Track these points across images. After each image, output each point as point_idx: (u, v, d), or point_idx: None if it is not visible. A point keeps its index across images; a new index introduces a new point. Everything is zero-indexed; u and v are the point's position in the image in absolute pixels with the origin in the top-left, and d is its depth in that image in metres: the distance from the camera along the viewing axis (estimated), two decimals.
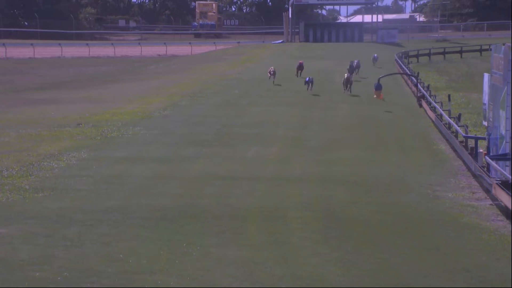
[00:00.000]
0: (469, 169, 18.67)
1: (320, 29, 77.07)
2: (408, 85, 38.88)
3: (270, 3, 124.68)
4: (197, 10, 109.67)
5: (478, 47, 61.55)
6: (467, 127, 21.56)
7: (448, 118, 24.05)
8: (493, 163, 16.24)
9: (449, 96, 27.71)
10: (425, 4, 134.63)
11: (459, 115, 23.78)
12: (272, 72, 38.42)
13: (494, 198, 15.51)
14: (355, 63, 41.94)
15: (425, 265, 11.35)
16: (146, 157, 19.97)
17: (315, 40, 74.78)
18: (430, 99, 28.99)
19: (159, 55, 74.07)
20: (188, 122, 26.23)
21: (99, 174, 17.67)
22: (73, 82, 45.51)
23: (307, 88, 34.71)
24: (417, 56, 57.92)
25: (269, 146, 21.84)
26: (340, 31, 76.72)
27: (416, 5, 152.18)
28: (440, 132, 24.62)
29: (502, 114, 15.98)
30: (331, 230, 13.10)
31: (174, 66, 56.81)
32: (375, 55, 49.65)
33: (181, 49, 77.78)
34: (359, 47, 67.36)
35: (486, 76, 18.97)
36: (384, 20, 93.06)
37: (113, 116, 27.28)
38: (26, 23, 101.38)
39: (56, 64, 61.93)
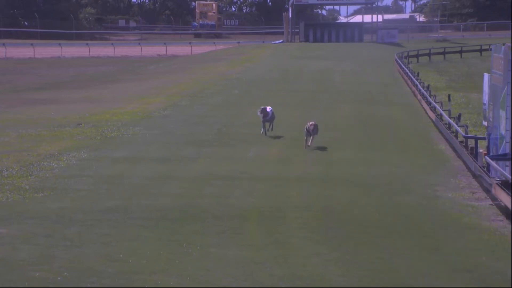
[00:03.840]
0: (469, 169, 18.66)
1: (320, 29, 77.12)
2: (408, 85, 38.85)
3: (270, 3, 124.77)
4: (197, 10, 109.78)
5: (478, 47, 61.57)
6: (467, 127, 21.53)
7: (448, 118, 24.04)
8: (493, 163, 16.23)
9: (449, 96, 27.68)
10: (425, 4, 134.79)
11: (459, 115, 23.76)
12: None
13: (494, 198, 15.50)
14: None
15: (425, 265, 11.34)
16: (146, 157, 19.96)
17: (315, 40, 74.83)
18: (430, 99, 28.99)
19: (159, 55, 74.06)
20: (188, 122, 26.21)
21: (99, 174, 17.66)
22: (73, 82, 45.50)
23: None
24: (417, 56, 57.94)
25: (269, 146, 21.82)
26: (340, 31, 76.77)
27: (416, 5, 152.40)
28: (440, 132, 24.60)
29: (502, 114, 15.97)
30: (331, 230, 13.09)
31: (174, 66, 56.79)
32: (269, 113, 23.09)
33: (181, 49, 77.80)
34: (359, 47, 67.40)
35: (486, 76, 18.95)
36: (384, 20, 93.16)
37: (113, 116, 27.27)
38: (26, 23, 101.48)
39: (56, 64, 61.93)
